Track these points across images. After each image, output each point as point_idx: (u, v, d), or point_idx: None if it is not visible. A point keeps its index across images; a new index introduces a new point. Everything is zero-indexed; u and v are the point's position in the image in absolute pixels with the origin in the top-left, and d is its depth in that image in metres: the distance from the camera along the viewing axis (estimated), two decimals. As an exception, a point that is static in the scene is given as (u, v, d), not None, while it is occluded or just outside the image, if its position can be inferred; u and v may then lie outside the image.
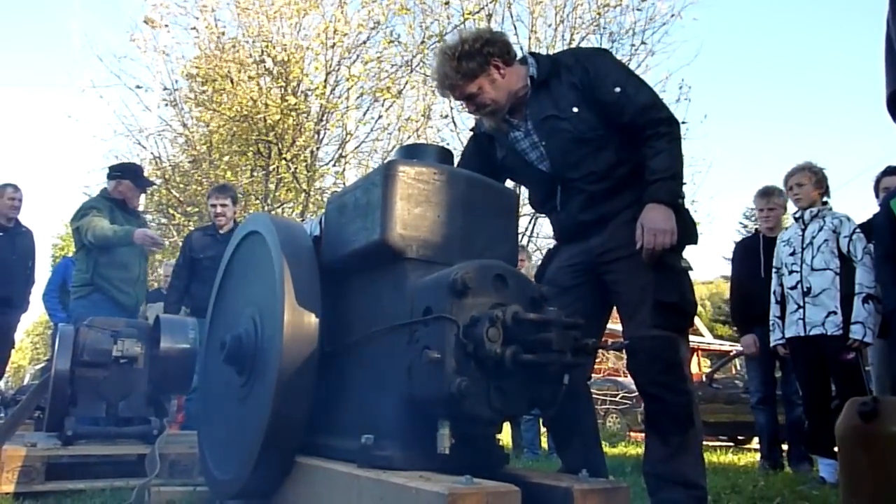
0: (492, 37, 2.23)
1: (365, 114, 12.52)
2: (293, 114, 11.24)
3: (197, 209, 12.94)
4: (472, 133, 2.51)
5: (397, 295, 1.71)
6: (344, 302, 1.94)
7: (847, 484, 2.35)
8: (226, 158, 12.53)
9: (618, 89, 2.12)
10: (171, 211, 13.14)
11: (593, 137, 2.14)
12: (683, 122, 11.40)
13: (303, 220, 13.26)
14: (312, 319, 1.85)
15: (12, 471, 2.60)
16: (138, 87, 12.31)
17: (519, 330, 1.51)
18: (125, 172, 4.57)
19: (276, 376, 1.79)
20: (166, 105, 12.50)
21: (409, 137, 12.60)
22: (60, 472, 2.73)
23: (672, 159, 2.08)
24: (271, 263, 1.98)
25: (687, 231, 2.07)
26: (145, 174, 5.09)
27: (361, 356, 1.81)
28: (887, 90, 2.01)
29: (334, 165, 13.26)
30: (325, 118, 12.17)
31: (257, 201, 12.71)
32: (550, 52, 2.35)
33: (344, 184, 13.81)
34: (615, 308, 2.21)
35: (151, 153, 13.16)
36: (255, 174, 12.51)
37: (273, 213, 12.47)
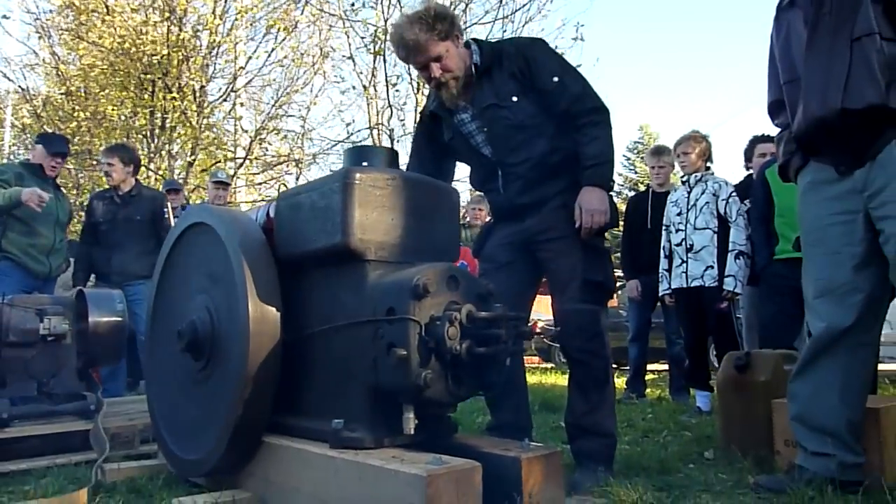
0: (450, 11, 2.40)
1: (257, 48, 12.03)
2: (181, 49, 10.63)
3: (76, 147, 12.12)
4: (420, 118, 2.67)
5: (357, 293, 1.89)
6: (298, 295, 2.09)
7: (724, 423, 2.84)
8: (104, 92, 11.72)
9: (555, 79, 2.33)
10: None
11: (531, 125, 2.36)
12: (578, 65, 11.85)
13: (193, 157, 12.69)
14: (274, 310, 2.00)
15: (-50, 457, 2.60)
16: (4, 16, 11.15)
17: (472, 326, 1.75)
18: (40, 138, 4.38)
19: (244, 363, 1.94)
20: (38, 36, 11.40)
21: (304, 73, 12.28)
22: (1, 455, 2.74)
23: (605, 146, 2.34)
24: (226, 255, 2.09)
25: (612, 215, 2.36)
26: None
27: (322, 346, 1.99)
28: (768, 99, 2.35)
29: (225, 101, 12.76)
30: (215, 52, 11.60)
31: (143, 137, 12.08)
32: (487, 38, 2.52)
33: (235, 120, 13.36)
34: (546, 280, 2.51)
35: (19, 86, 12.07)
36: (138, 110, 11.81)
37: (161, 150, 11.92)
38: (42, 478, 2.66)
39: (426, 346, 1.71)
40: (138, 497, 2.23)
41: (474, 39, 2.50)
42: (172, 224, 4.73)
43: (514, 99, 2.35)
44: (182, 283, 2.39)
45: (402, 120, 9.72)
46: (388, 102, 9.99)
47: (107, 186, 4.75)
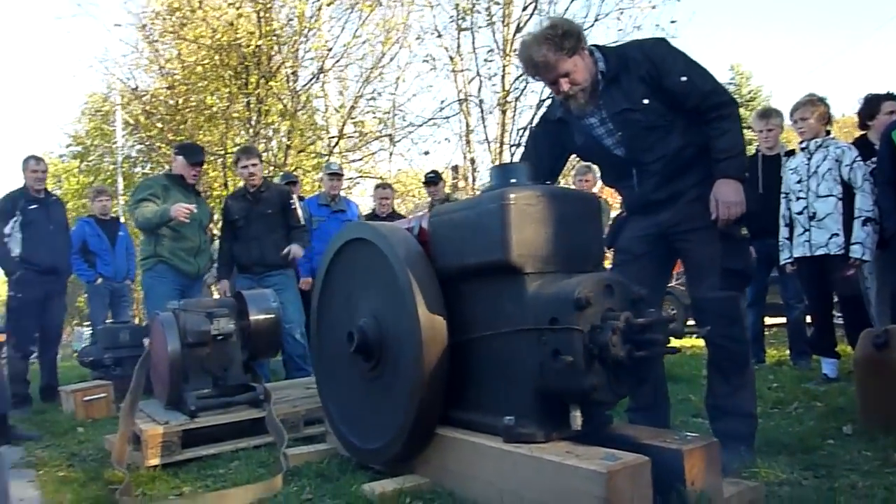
0: (576, 25, 2.53)
1: (343, 28, 12.29)
2: (273, 38, 11.04)
3: (180, 137, 12.87)
4: (542, 120, 2.81)
5: (518, 303, 2.08)
6: (457, 303, 2.30)
7: (862, 402, 2.88)
8: (205, 83, 12.32)
9: (684, 78, 2.42)
10: (157, 144, 13.07)
11: (662, 124, 2.46)
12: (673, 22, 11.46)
13: (289, 143, 13.15)
14: (441, 317, 2.23)
15: (155, 447, 3.02)
16: (117, 25, 11.93)
17: (630, 332, 1.91)
18: (180, 149, 4.79)
19: (419, 364, 2.18)
20: (143, 38, 12.10)
21: (390, 48, 12.46)
22: (191, 442, 3.15)
23: (736, 138, 2.42)
24: (390, 267, 2.33)
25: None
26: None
27: (485, 350, 2.20)
28: None
29: (315, 81, 13.14)
30: (304, 36, 11.94)
31: (241, 125, 12.67)
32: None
33: (325, 100, 13.76)
34: (684, 270, 2.64)
35: (129, 85, 12.89)
36: (234, 100, 12.39)
37: (259, 137, 12.48)
38: (231, 461, 3.07)
39: (590, 352, 1.89)
40: (325, 481, 2.55)
41: (596, 46, 2.59)
42: (300, 213, 5.08)
43: (646, 101, 2.45)
44: (343, 292, 2.66)
45: (495, 89, 9.72)
46: (477, 72, 10.03)
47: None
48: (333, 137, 12.84)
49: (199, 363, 3.38)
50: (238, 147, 11.52)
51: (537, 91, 9.57)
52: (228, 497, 2.40)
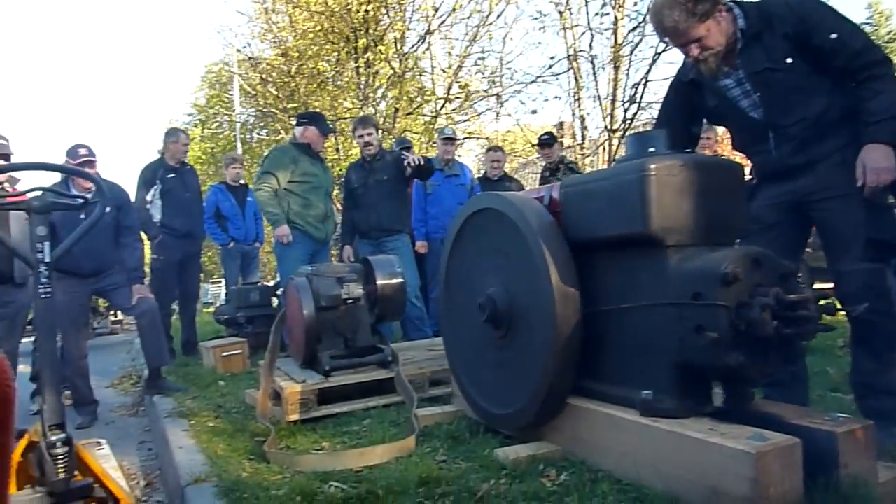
0: None
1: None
2: (381, 2, 11.13)
3: (294, 104, 13.33)
4: (674, 82, 2.70)
5: (657, 276, 2.04)
6: (591, 273, 2.29)
7: None
8: (316, 49, 12.63)
9: (833, 35, 2.25)
10: (273, 110, 13.60)
11: (806, 85, 2.31)
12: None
13: (395, 115, 13.27)
14: (574, 288, 2.23)
15: (294, 403, 3.23)
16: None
17: (781, 308, 1.83)
18: (311, 119, 5.00)
19: (552, 334, 2.20)
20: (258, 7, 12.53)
21: (497, 4, 12.24)
22: (326, 399, 3.34)
23: (891, 100, 2.23)
24: (521, 238, 2.35)
25: None
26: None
27: (621, 322, 2.19)
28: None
29: (422, 43, 13.16)
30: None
31: (350, 91, 12.93)
32: None
33: (432, 61, 13.77)
34: (822, 241, 2.48)
35: (246, 55, 13.43)
36: (344, 65, 12.64)
37: (368, 102, 12.70)
38: (363, 419, 3.23)
39: (736, 329, 1.83)
40: (456, 443, 2.65)
41: (737, 2, 2.44)
42: (414, 157, 5.13)
43: (789, 61, 2.30)
44: (472, 261, 2.70)
45: (608, 43, 9.36)
46: (588, 26, 9.69)
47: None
48: (440, 99, 12.87)
49: (330, 325, 3.56)
50: (355, 116, 11.84)
51: (653, 45, 9.13)
52: (367, 455, 2.54)
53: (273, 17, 12.76)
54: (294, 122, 13.42)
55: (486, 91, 12.49)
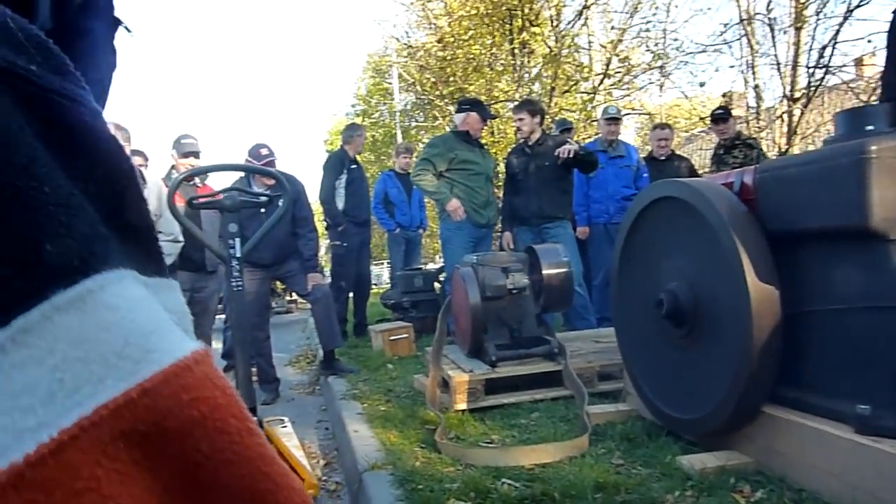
0: None
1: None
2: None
3: (450, 89, 13.49)
4: None
5: (880, 275, 1.77)
6: (792, 270, 2.04)
7: None
8: (471, 33, 12.66)
9: None
10: (430, 97, 13.87)
11: None
12: None
13: (551, 94, 13.05)
14: (772, 286, 2.00)
15: (462, 392, 3.24)
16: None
17: None
18: (472, 105, 5.01)
19: (748, 336, 1.99)
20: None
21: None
22: (492, 389, 3.33)
23: None
24: (709, 229, 2.15)
25: None
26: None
27: (831, 325, 1.93)
28: None
29: (578, 20, 12.76)
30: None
31: (505, 73, 12.85)
32: None
33: (589, 37, 13.30)
34: None
35: (404, 43, 13.79)
36: (498, 47, 12.56)
37: (523, 83, 12.54)
38: (531, 412, 3.18)
39: None
40: (632, 446, 2.51)
41: None
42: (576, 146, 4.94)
43: None
44: (649, 253, 2.53)
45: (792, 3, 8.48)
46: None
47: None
48: (599, 75, 12.42)
49: (496, 315, 3.53)
50: (510, 98, 11.76)
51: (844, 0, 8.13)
52: (539, 452, 2.48)
53: (429, 5, 12.96)
54: (453, 109, 13.71)
55: (648, 64, 11.85)
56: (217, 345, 5.86)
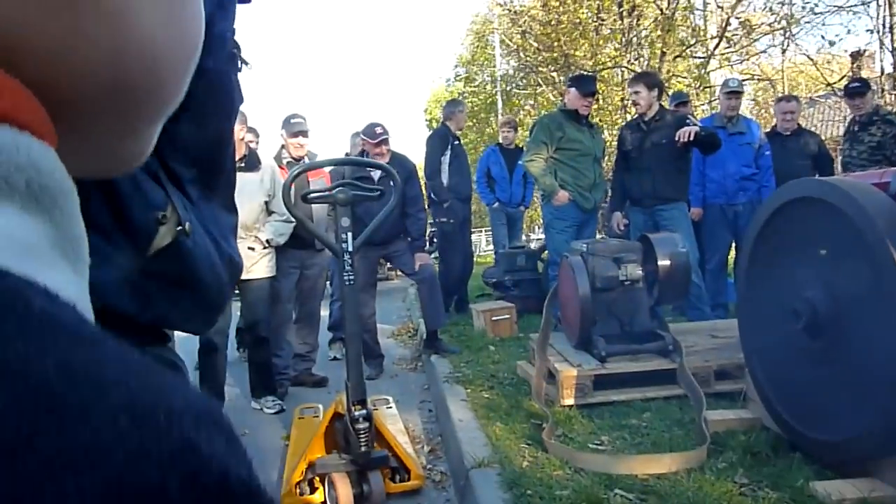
0: None
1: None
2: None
3: (553, 54, 13.11)
4: None
5: None
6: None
7: None
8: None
9: None
10: (532, 62, 13.56)
11: None
12: None
13: (661, 61, 12.48)
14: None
15: (570, 387, 3.16)
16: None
17: None
18: (572, 81, 4.83)
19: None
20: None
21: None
22: (601, 385, 3.22)
23: None
24: (859, 236, 1.94)
25: None
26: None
27: None
28: None
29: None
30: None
31: (612, 37, 12.32)
32: None
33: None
34: None
35: (508, 9, 13.50)
36: (605, 10, 12.03)
37: (632, 46, 11.97)
38: (642, 412, 3.06)
39: None
40: (757, 462, 2.35)
41: None
42: (698, 127, 4.60)
43: None
44: (784, 256, 2.33)
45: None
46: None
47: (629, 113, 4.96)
48: (714, 38, 11.67)
49: (606, 307, 3.41)
50: (617, 64, 11.30)
51: None
52: (654, 462, 2.37)
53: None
54: (556, 76, 13.34)
55: (770, 25, 11.00)
56: (324, 313, 6.05)
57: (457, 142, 5.95)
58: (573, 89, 4.77)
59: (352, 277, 2.44)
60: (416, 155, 6.24)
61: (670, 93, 6.19)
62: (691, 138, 4.36)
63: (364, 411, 2.48)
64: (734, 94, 5.30)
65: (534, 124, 4.97)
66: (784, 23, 10.49)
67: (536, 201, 7.63)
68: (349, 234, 2.43)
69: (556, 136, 4.66)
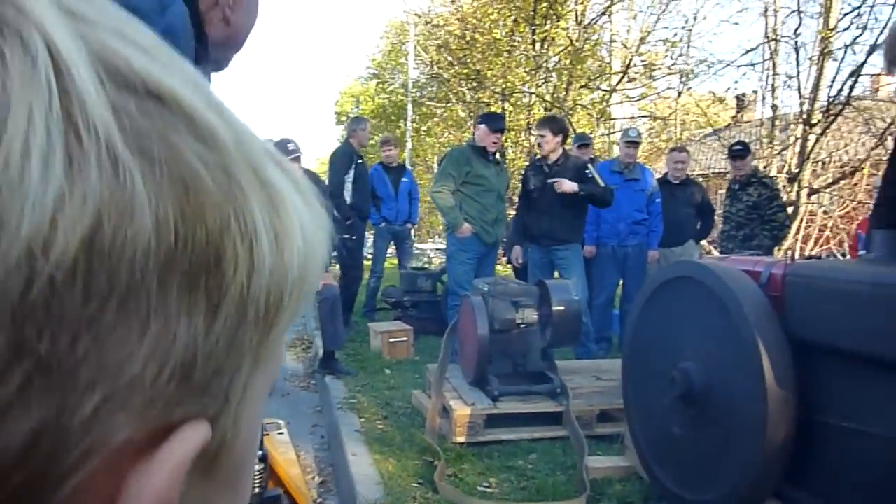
0: None
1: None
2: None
3: (465, 69, 13.36)
4: None
5: (900, 406, 1.79)
6: (812, 376, 2.06)
7: None
8: (493, 15, 12.48)
9: None
10: (444, 75, 13.73)
11: None
12: None
13: (567, 90, 12.99)
14: (789, 391, 2.02)
15: (462, 426, 3.28)
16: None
17: None
18: (482, 118, 4.96)
19: (761, 431, 2.02)
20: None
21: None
22: (493, 423, 3.36)
23: None
24: (729, 319, 2.16)
25: None
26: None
27: (842, 440, 1.96)
28: None
29: (603, 15, 12.59)
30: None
31: (522, 56, 12.70)
32: None
33: (611, 33, 13.11)
34: None
35: (426, 20, 13.60)
36: (518, 29, 12.40)
37: (541, 71, 12.40)
38: (529, 453, 3.22)
39: None
40: (631, 512, 2.56)
41: None
42: (599, 178, 4.87)
43: None
44: (666, 326, 2.54)
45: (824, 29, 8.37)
46: (798, 7, 8.72)
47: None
48: (618, 73, 12.30)
49: (502, 347, 3.55)
50: (528, 85, 11.64)
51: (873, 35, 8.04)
52: (537, 511, 2.52)
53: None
54: (467, 90, 13.52)
55: (668, 68, 11.72)
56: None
57: (360, 160, 5.98)
58: (483, 125, 4.92)
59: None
60: (326, 149, 6.29)
61: (575, 135, 6.48)
62: (568, 190, 4.64)
63: (260, 452, 2.47)
64: (633, 143, 5.65)
65: (443, 156, 5.10)
66: (678, 70, 11.19)
67: (423, 217, 7.81)
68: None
69: (464, 170, 4.79)
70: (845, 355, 1.94)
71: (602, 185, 4.81)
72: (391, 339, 5.21)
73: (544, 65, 12.55)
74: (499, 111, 12.73)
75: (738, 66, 9.59)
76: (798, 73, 8.84)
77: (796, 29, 8.71)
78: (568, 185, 4.66)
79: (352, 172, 5.80)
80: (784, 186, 9.16)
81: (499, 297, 3.57)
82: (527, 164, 6.08)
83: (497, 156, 5.09)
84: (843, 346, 1.93)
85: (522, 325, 3.54)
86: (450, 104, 14.13)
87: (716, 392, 2.27)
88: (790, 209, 8.38)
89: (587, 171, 4.90)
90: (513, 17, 12.30)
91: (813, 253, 10.56)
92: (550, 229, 4.90)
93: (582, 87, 12.73)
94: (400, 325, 5.54)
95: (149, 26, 0.22)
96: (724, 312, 2.20)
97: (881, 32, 7.97)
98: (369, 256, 7.70)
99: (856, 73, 8.24)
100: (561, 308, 3.59)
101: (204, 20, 0.89)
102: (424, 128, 17.64)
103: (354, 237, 5.87)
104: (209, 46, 0.93)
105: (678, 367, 2.38)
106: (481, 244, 4.83)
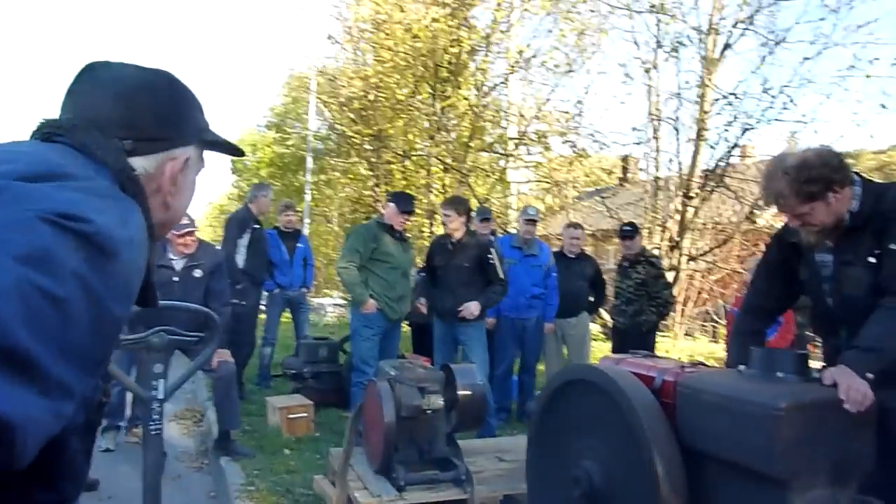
0: (839, 163, 2.26)
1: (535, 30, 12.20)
2: (471, 49, 11.23)
3: (369, 130, 13.56)
4: (776, 241, 2.60)
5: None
6: (699, 479, 2.23)
7: None
8: (395, 77, 12.78)
9: (893, 246, 2.14)
10: (347, 132, 13.85)
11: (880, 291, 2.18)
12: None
13: (467, 149, 13.42)
14: (680, 495, 2.17)
15: (368, 518, 3.25)
16: (329, 37, 12.84)
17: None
18: (393, 197, 5.08)
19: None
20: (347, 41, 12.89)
21: (584, 52, 12.17)
22: (397, 514, 3.35)
23: (875, 333, 2.09)
24: (624, 423, 2.31)
25: None
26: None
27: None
28: None
29: (503, 83, 13.19)
30: (498, 41, 12.01)
31: (423, 116, 13.04)
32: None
33: (507, 97, 13.73)
34: None
35: (329, 77, 13.74)
36: (419, 89, 12.77)
37: (441, 131, 12.77)
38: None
39: None
40: None
41: (865, 179, 2.32)
42: (499, 268, 5.09)
43: (871, 259, 2.20)
44: (567, 425, 2.67)
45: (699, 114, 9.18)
46: (678, 92, 9.54)
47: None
48: (514, 140, 12.87)
49: (408, 434, 3.57)
50: (428, 144, 11.92)
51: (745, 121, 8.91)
52: None
53: (360, 45, 13.03)
54: (370, 147, 13.70)
55: (563, 135, 12.39)
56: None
57: (257, 225, 5.96)
58: (392, 205, 5.03)
59: (159, 427, 2.34)
60: (217, 194, 6.19)
61: (477, 209, 6.73)
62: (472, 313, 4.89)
63: None
64: (531, 221, 5.92)
65: (350, 232, 5.17)
66: (571, 143, 11.84)
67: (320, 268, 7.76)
68: (161, 382, 2.34)
69: (371, 246, 4.85)
70: (729, 465, 2.12)
71: (501, 274, 5.03)
72: (290, 416, 5.09)
73: (444, 126, 12.96)
74: (401, 170, 12.97)
75: (624, 145, 10.30)
76: (678, 151, 9.60)
77: (676, 110, 9.48)
78: (474, 308, 4.90)
79: (247, 237, 5.74)
80: (666, 252, 9.85)
81: (405, 383, 3.60)
82: (430, 238, 6.27)
83: (403, 232, 5.19)
84: (721, 455, 2.11)
85: (429, 412, 3.58)
86: (351, 160, 14.21)
87: (615, 494, 2.39)
88: (671, 274, 9.01)
89: (489, 256, 5.08)
90: (414, 80, 12.68)
91: (695, 313, 11.33)
92: (454, 306, 5.02)
93: (481, 150, 13.22)
94: (299, 398, 5.42)
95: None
96: (620, 417, 2.35)
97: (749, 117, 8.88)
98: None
99: (726, 156, 9.06)
100: (467, 392, 3.67)
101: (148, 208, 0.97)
102: (324, 179, 17.59)
103: (244, 302, 5.76)
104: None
105: (580, 466, 2.50)
106: (385, 320, 4.87)
